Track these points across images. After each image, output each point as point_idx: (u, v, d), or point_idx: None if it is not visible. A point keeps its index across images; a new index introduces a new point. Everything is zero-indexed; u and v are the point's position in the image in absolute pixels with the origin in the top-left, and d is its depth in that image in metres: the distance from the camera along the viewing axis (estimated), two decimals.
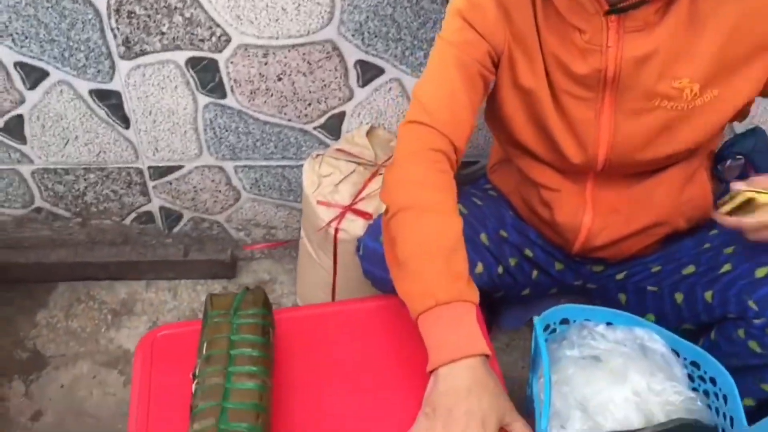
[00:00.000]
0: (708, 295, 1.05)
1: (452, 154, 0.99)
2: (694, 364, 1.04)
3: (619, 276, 1.19)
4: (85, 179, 1.50)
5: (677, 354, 1.05)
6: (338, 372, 0.97)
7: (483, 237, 1.11)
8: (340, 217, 1.29)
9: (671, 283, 1.12)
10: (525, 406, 1.15)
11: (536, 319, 0.94)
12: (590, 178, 1.06)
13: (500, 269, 1.15)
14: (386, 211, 0.97)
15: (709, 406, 1.03)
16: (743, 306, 1.00)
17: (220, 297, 0.96)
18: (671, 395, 1.02)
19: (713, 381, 1.02)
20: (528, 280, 1.21)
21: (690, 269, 1.10)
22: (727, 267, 1.05)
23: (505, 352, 1.48)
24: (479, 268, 1.09)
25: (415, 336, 0.93)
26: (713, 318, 1.06)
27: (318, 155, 1.38)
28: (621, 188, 1.06)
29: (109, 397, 1.39)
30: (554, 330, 1.11)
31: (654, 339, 1.05)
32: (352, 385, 0.96)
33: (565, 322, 1.11)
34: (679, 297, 1.11)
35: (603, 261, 1.18)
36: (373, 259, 1.06)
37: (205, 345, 0.91)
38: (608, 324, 1.08)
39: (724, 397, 1.00)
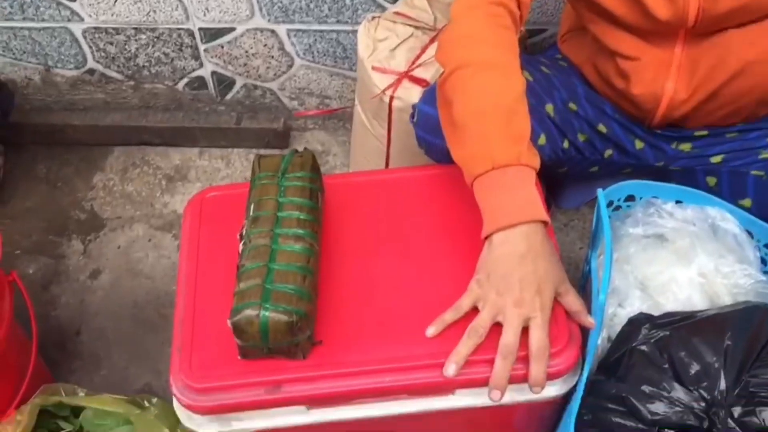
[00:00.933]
0: None
1: (515, 9, 0.91)
2: None
3: (716, 159, 1.08)
4: (136, 40, 1.46)
5: (751, 235, 0.99)
6: (388, 240, 0.94)
7: (549, 108, 1.04)
8: (396, 83, 1.22)
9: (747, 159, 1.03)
10: (579, 285, 1.11)
11: (600, 192, 0.88)
12: (677, 39, 0.96)
13: (565, 143, 1.07)
14: (442, 72, 0.91)
15: None
16: None
17: (267, 158, 0.93)
18: (740, 278, 0.97)
19: None
20: (599, 157, 1.14)
21: None
22: None
23: (563, 232, 1.43)
24: (542, 139, 1.02)
25: (469, 206, 0.88)
26: None
27: (374, 18, 1.30)
28: (709, 48, 0.96)
29: (163, 259, 1.41)
30: (618, 207, 1.05)
31: (727, 219, 0.98)
32: (402, 254, 0.93)
33: (630, 199, 1.04)
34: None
35: (691, 137, 1.09)
36: (428, 125, 1.00)
37: (252, 206, 0.88)
38: (677, 202, 1.02)
39: None
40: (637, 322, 0.91)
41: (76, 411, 1.07)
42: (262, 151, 1.59)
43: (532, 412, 0.91)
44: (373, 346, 0.84)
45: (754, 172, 1.04)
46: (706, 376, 0.82)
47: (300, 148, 1.59)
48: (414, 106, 1.04)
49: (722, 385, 0.81)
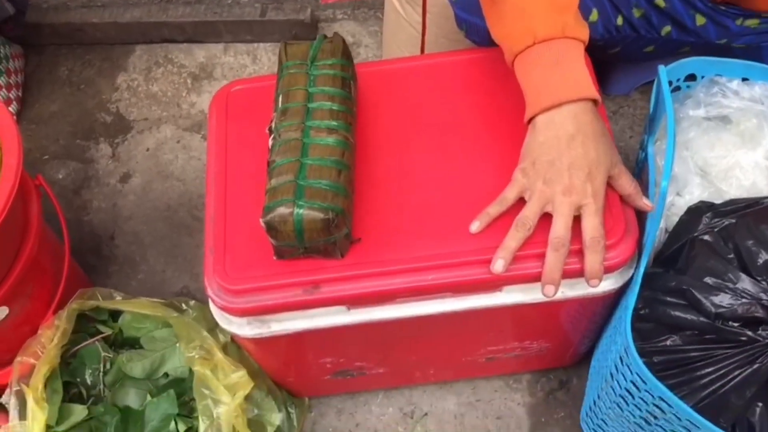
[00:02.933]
0: None
1: None
2: None
3: None
4: None
5: None
6: (426, 131, 0.87)
7: None
8: None
9: None
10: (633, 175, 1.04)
11: (662, 68, 0.80)
12: None
13: (619, 20, 0.98)
14: None
15: None
16: None
17: (295, 46, 0.85)
18: None
19: None
20: (655, 35, 1.03)
21: None
22: None
23: (612, 120, 1.35)
24: (594, 15, 0.93)
25: (513, 91, 0.81)
26: None
27: None
28: None
29: (194, 161, 1.37)
30: (677, 88, 0.96)
31: None
32: (441, 145, 0.86)
33: (690, 78, 0.95)
34: None
35: (758, 14, 0.99)
36: (468, 3, 0.91)
37: (280, 98, 0.82)
38: (744, 80, 0.93)
39: None
40: (697, 210, 0.85)
41: (115, 315, 1.06)
42: None
43: (585, 307, 0.86)
44: (414, 242, 0.80)
45: None
46: None
47: None
48: None
49: None
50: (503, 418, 1.07)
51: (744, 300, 0.74)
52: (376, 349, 0.94)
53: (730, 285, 0.75)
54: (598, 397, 0.93)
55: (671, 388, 0.78)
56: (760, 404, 0.77)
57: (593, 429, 0.99)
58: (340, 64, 0.83)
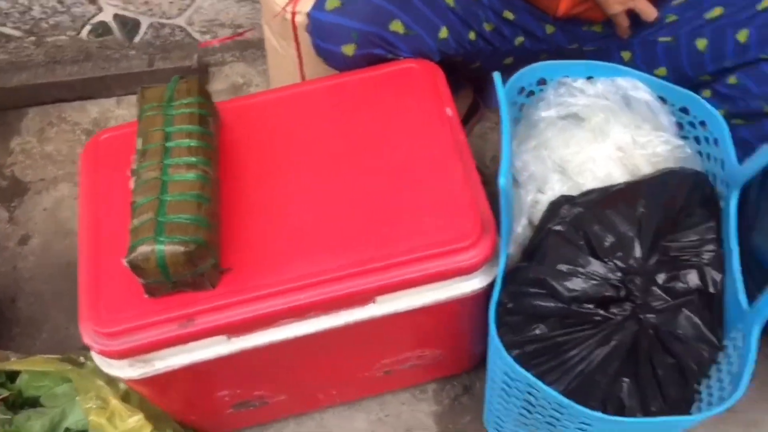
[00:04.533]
0: (742, 34, 0.94)
1: None
2: (682, 110, 0.95)
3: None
4: None
5: (664, 101, 0.96)
6: (294, 156, 0.91)
7: None
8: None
9: (690, 30, 1.00)
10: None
11: (496, 75, 0.84)
12: None
13: (471, 35, 1.03)
14: None
15: (700, 153, 0.95)
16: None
17: (151, 89, 0.88)
18: (658, 146, 0.94)
19: (703, 125, 0.93)
20: (510, 46, 1.09)
21: (716, 12, 0.98)
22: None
23: (495, 130, 1.40)
24: (443, 32, 0.98)
25: (374, 112, 0.85)
26: (741, 62, 0.95)
27: None
28: None
29: None
30: (531, 92, 1.01)
31: (638, 87, 0.95)
32: (309, 169, 0.89)
33: (543, 83, 1.01)
34: (701, 43, 0.99)
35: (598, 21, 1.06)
36: (323, 32, 0.95)
37: (140, 140, 0.84)
38: (589, 78, 0.99)
39: (715, 141, 0.91)
40: (556, 204, 0.89)
41: (13, 377, 1.05)
42: None
43: (460, 310, 0.89)
44: (286, 265, 0.82)
45: (662, 39, 1.01)
46: (620, 246, 0.80)
47: (220, 83, 1.55)
48: (308, 15, 0.99)
49: (637, 252, 0.80)
50: (412, 430, 1.09)
51: (594, 282, 0.79)
52: (268, 376, 0.95)
53: (581, 269, 0.80)
54: (492, 395, 0.96)
55: (544, 374, 0.82)
56: (626, 379, 0.81)
57: (495, 428, 1.02)
58: (197, 102, 0.86)
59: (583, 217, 0.83)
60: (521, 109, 1.02)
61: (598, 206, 0.83)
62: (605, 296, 0.79)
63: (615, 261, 0.80)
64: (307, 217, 0.86)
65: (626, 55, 1.08)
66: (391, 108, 0.92)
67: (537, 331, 0.83)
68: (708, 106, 0.90)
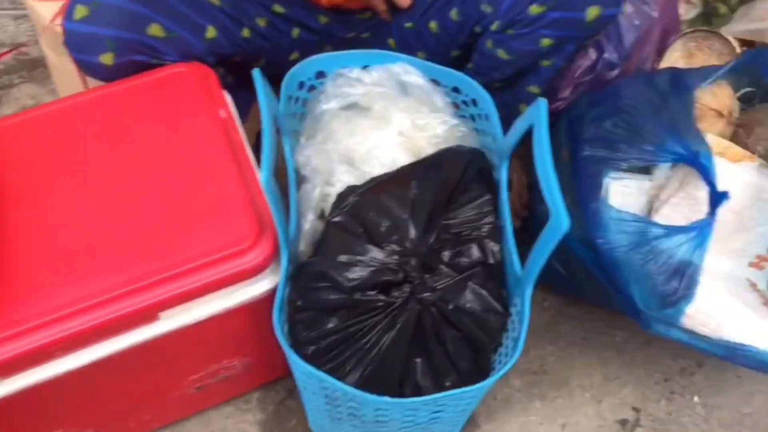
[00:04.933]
0: (453, 13, 0.98)
1: None
2: (455, 90, 0.98)
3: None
4: None
5: (438, 83, 0.98)
6: (60, 175, 0.85)
7: None
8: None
9: (422, 14, 1.03)
10: None
11: (256, 72, 0.81)
12: None
13: (245, 32, 1.01)
14: None
15: (477, 130, 0.98)
16: (479, 14, 0.93)
17: None
18: (436, 127, 0.97)
19: (475, 103, 0.96)
20: (289, 40, 1.09)
21: None
22: None
23: None
24: (210, 32, 0.95)
25: (143, 122, 0.82)
26: (468, 36, 0.99)
27: None
28: None
29: None
30: (313, 87, 1.01)
31: (410, 72, 0.97)
32: (76, 187, 0.84)
33: (323, 75, 1.00)
34: (433, 25, 1.02)
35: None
36: (78, 43, 0.90)
37: None
38: (365, 68, 0.99)
39: (486, 117, 0.95)
40: (342, 195, 0.89)
41: None
42: None
43: (253, 315, 0.87)
44: (55, 291, 0.77)
45: (407, 25, 1.05)
46: (396, 230, 0.81)
47: (10, 107, 1.45)
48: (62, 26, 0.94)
49: (412, 234, 0.81)
50: None
51: (372, 268, 0.79)
52: (63, 412, 0.89)
53: (360, 258, 0.80)
54: (303, 395, 0.94)
55: (341, 366, 0.81)
56: (418, 360, 0.82)
57: (318, 428, 1.01)
58: None
59: (360, 206, 0.83)
60: (305, 105, 1.01)
61: (373, 193, 0.84)
62: (386, 281, 0.79)
63: (392, 245, 0.80)
64: (77, 236, 0.81)
65: (392, 42, 1.10)
66: (161, 115, 0.89)
67: (330, 325, 0.82)
68: (476, 84, 0.93)
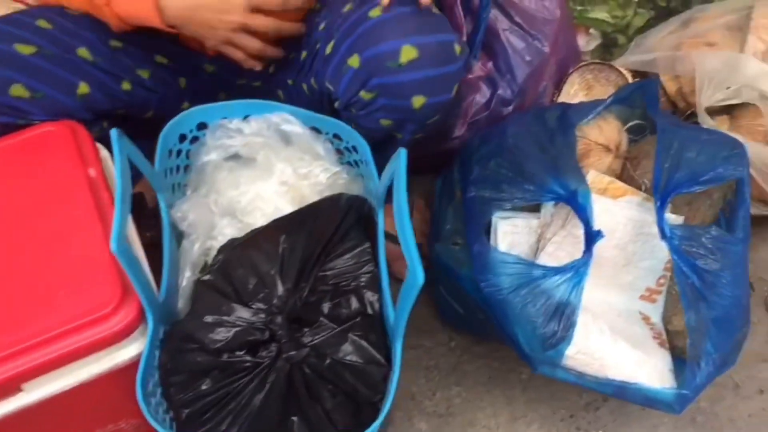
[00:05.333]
0: (312, 81, 0.98)
1: None
2: (337, 137, 0.97)
3: (271, 69, 1.08)
4: None
5: (319, 131, 0.97)
6: None
7: (83, 52, 0.94)
8: None
9: (296, 74, 1.04)
10: None
11: (112, 132, 0.79)
12: None
13: (125, 85, 0.99)
14: None
15: (361, 175, 0.98)
16: (327, 89, 0.93)
17: None
18: (319, 175, 0.96)
19: (356, 149, 0.96)
20: (178, 90, 1.07)
21: (303, 55, 1.01)
22: (318, 47, 0.97)
23: None
24: (83, 88, 0.92)
25: (9, 186, 0.81)
26: (332, 105, 0.99)
27: None
28: None
29: None
30: (196, 138, 0.99)
31: (290, 121, 0.96)
32: None
33: (204, 127, 0.99)
34: (305, 87, 1.02)
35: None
36: None
37: None
38: (246, 117, 0.98)
39: (366, 162, 0.94)
40: (220, 250, 0.88)
41: None
42: None
43: (126, 380, 0.84)
44: None
45: (289, 81, 1.06)
46: (263, 287, 0.80)
47: None
48: None
49: (280, 290, 0.80)
50: None
51: (238, 329, 0.77)
52: None
53: (226, 318, 0.78)
54: None
55: (216, 428, 0.79)
56: (294, 418, 0.80)
57: None
58: None
59: (230, 263, 0.82)
60: (188, 156, 1.00)
61: (242, 249, 0.82)
62: (252, 341, 0.77)
63: (258, 303, 0.79)
64: None
65: (281, 93, 1.09)
66: (26, 177, 0.86)
67: (204, 387, 0.80)
68: (353, 131, 0.93)
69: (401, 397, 1.12)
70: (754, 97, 1.06)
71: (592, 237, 0.86)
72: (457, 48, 0.87)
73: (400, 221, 0.74)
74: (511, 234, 0.98)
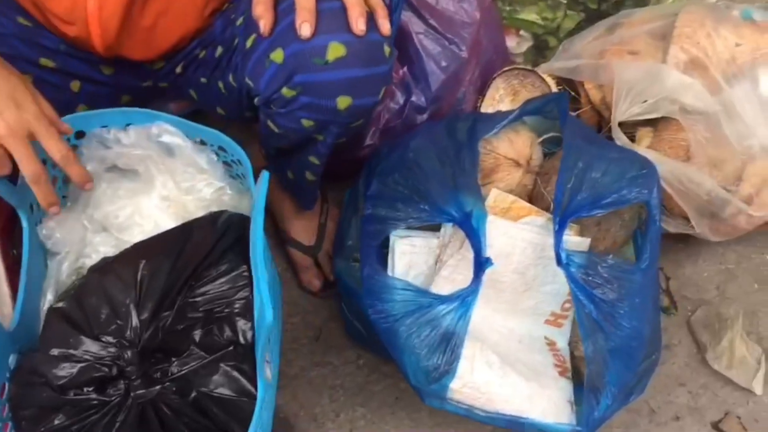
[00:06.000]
0: (231, 77, 0.92)
1: None
2: (222, 149, 0.91)
3: (178, 69, 1.01)
4: None
5: (204, 143, 0.91)
6: None
7: None
8: None
9: (212, 71, 0.97)
10: None
11: None
12: None
13: None
14: None
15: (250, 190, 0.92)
16: (247, 85, 0.87)
17: None
18: (202, 190, 0.91)
19: (240, 163, 0.90)
20: (69, 95, 1.00)
21: (219, 51, 0.95)
22: (237, 42, 0.90)
23: None
24: None
25: None
26: (249, 101, 0.92)
27: None
28: None
29: None
30: (75, 147, 0.93)
31: (173, 132, 0.90)
32: None
33: (82, 135, 0.92)
34: (221, 85, 0.96)
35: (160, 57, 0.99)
36: None
37: None
38: (128, 126, 0.92)
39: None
40: (90, 270, 0.82)
41: None
42: None
43: None
44: None
45: (202, 80, 0.99)
46: (115, 318, 0.74)
47: None
48: None
49: (134, 322, 0.74)
50: None
51: (83, 364, 0.72)
52: None
53: (73, 351, 0.72)
54: None
55: None
56: None
57: None
58: None
59: (85, 290, 0.76)
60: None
61: (99, 275, 0.77)
62: (99, 377, 0.72)
63: (108, 336, 0.73)
64: None
65: (194, 94, 1.03)
66: None
67: (56, 422, 0.74)
68: (234, 143, 0.87)
69: (303, 419, 1.07)
70: (674, 110, 1.01)
71: (480, 265, 0.81)
72: (387, 49, 0.82)
73: (253, 251, 0.68)
74: (409, 254, 0.93)
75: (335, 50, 0.79)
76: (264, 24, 0.80)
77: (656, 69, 1.01)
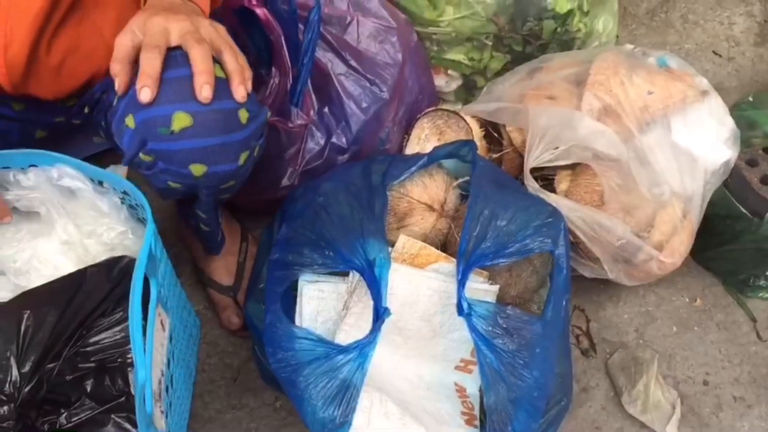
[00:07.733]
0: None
1: None
2: (126, 193, 0.89)
3: (86, 109, 1.00)
4: None
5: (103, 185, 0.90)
6: None
7: None
8: None
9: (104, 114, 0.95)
10: None
11: None
12: None
13: None
14: None
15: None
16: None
17: None
18: (104, 234, 0.89)
19: (142, 207, 0.88)
20: None
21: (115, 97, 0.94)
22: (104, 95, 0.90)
23: None
24: None
25: None
26: None
27: None
28: None
29: None
30: None
31: (75, 176, 0.88)
32: None
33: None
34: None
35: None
36: None
37: None
38: (32, 167, 0.90)
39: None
40: None
41: None
42: None
43: None
44: None
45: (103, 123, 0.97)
46: None
47: None
48: None
49: (14, 375, 0.72)
50: None
51: None
52: None
53: None
54: None
55: None
56: None
57: None
58: None
59: None
60: None
61: None
62: None
63: None
64: None
65: (102, 133, 1.02)
66: None
67: None
68: (136, 188, 0.85)
69: None
70: (587, 157, 1.01)
71: (379, 314, 0.81)
72: (243, 115, 0.79)
73: (131, 309, 0.67)
74: (317, 299, 0.92)
75: (180, 120, 0.76)
76: (118, 84, 0.78)
77: (569, 115, 1.02)
